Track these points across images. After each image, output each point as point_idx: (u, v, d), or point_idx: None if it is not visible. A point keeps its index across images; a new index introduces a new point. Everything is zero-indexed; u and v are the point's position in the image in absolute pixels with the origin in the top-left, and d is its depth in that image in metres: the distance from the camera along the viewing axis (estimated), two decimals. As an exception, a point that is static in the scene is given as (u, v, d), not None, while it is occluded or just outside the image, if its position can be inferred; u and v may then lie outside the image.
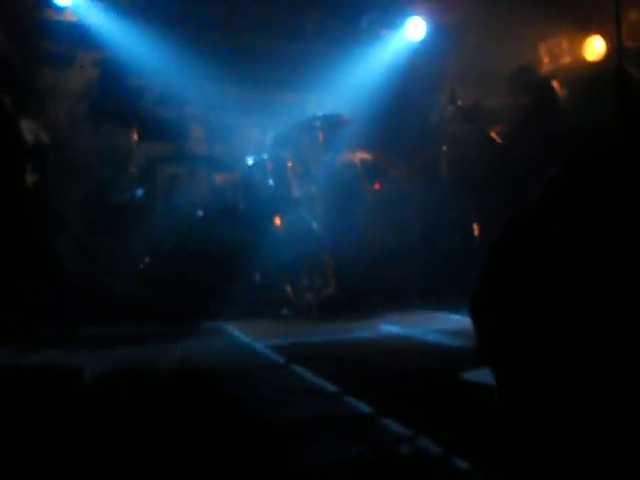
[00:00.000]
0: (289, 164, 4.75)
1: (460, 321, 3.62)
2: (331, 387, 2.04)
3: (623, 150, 1.38)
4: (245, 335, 3.34)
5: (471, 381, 2.07)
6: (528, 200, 1.52)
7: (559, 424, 1.39)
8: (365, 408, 1.78)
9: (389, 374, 2.29)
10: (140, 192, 4.87)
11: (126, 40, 5.37)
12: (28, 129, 4.68)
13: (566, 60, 5.76)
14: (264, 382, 2.09)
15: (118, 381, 2.25)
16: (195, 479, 1.32)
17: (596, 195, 1.31)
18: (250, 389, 2.07)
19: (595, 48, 5.61)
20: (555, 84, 5.41)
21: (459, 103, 4.76)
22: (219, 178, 5.22)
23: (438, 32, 5.95)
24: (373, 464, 1.33)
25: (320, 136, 4.92)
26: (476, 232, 5.18)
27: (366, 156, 5.43)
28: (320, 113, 4.99)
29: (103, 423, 1.64)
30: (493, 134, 5.04)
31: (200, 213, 4.66)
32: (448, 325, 3.52)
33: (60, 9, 5.23)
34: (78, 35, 5.30)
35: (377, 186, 5.45)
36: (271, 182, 4.67)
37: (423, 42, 6.02)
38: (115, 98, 5.45)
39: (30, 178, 4.63)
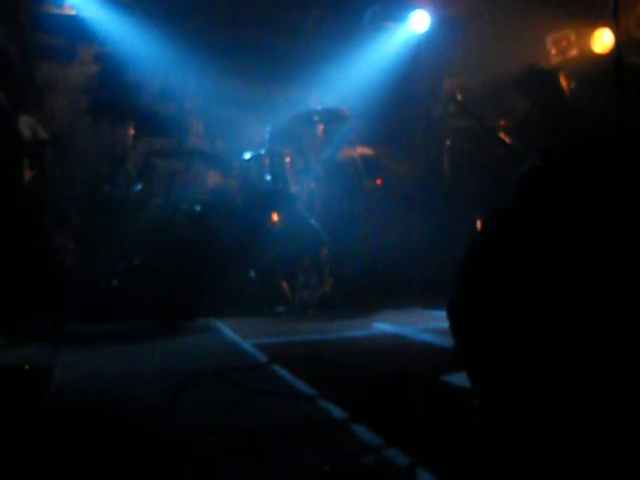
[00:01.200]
0: (287, 159, 4.67)
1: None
2: (308, 390, 1.97)
3: (599, 145, 1.30)
4: (235, 333, 3.28)
5: (456, 384, 1.99)
6: (504, 199, 1.45)
7: (537, 428, 1.32)
8: (338, 413, 1.71)
9: (373, 375, 2.21)
10: (138, 187, 4.82)
11: (125, 34, 5.34)
12: (26, 124, 4.65)
13: (574, 53, 5.62)
14: (239, 383, 2.02)
15: (91, 382, 2.20)
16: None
17: (571, 191, 1.23)
18: (222, 390, 2.00)
19: (603, 40, 5.47)
20: (562, 77, 5.28)
21: (459, 98, 4.65)
22: (217, 174, 5.17)
23: (442, 25, 5.84)
24: (332, 475, 1.26)
25: (319, 130, 4.85)
26: (479, 228, 5.07)
27: (367, 151, 5.34)
28: (320, 107, 4.92)
29: (58, 429, 1.59)
30: (499, 130, 4.94)
31: (197, 208, 4.61)
32: (443, 324, 3.43)
33: (59, 2, 5.19)
34: (77, 29, 5.27)
35: (378, 182, 5.37)
36: (269, 177, 4.60)
37: (426, 35, 5.91)
38: (114, 93, 5.42)
39: (28, 173, 4.60)
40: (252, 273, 4.35)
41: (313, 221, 4.61)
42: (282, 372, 2.25)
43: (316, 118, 4.78)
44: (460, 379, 2.02)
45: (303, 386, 2.02)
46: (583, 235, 1.22)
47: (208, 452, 1.44)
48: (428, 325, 3.43)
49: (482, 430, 1.50)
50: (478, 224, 5.10)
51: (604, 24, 5.49)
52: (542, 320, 1.29)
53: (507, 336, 1.37)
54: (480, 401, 1.52)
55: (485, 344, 1.43)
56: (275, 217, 4.62)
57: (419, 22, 5.95)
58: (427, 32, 5.91)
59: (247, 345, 2.88)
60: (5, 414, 1.35)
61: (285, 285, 4.38)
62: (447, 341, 2.88)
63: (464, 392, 1.84)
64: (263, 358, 2.52)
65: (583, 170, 1.25)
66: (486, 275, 1.45)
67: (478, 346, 1.46)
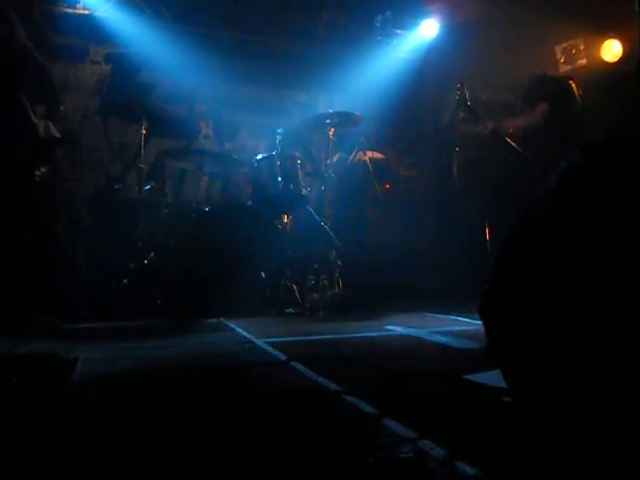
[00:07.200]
0: (298, 161, 4.69)
1: (468, 323, 3.56)
2: (332, 385, 1.98)
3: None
4: (248, 332, 3.28)
5: (478, 383, 1.99)
6: (542, 192, 1.45)
7: (573, 424, 1.32)
8: (367, 408, 1.71)
9: (394, 373, 2.21)
10: (148, 187, 4.83)
11: (138, 35, 5.37)
12: (40, 123, 4.65)
13: (582, 62, 5.66)
14: (264, 379, 2.03)
15: (113, 372, 2.20)
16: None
17: (618, 185, 1.23)
18: (249, 386, 2.01)
19: (613, 50, 5.51)
20: (572, 85, 5.30)
21: (469, 104, 4.67)
22: (227, 175, 5.18)
23: (451, 32, 5.88)
24: (374, 466, 1.26)
25: (331, 134, 4.86)
26: (488, 234, 5.09)
27: (377, 155, 5.36)
28: (331, 110, 4.93)
29: (93, 412, 1.59)
30: (508, 137, 4.95)
31: (207, 209, 4.61)
32: (455, 327, 3.44)
33: (72, 2, 5.22)
34: (90, 29, 5.29)
35: (387, 186, 5.38)
36: (280, 179, 4.60)
37: (436, 42, 5.96)
38: (125, 93, 5.44)
39: (40, 172, 4.59)
40: (262, 274, 4.35)
41: (323, 223, 4.62)
42: (302, 369, 2.25)
43: (328, 121, 4.79)
44: (483, 378, 2.02)
45: (326, 382, 2.02)
46: (624, 229, 1.23)
47: (243, 444, 1.44)
48: (438, 328, 3.44)
49: (516, 427, 1.50)
50: (487, 231, 5.11)
51: (613, 34, 5.54)
52: (583, 318, 1.29)
53: (546, 336, 1.37)
54: (516, 400, 1.52)
55: (523, 343, 1.43)
56: (286, 219, 4.63)
57: (428, 29, 6.00)
58: (437, 39, 5.95)
59: (262, 343, 2.88)
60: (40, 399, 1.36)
61: (295, 287, 4.39)
62: (460, 343, 2.90)
63: (488, 390, 1.85)
64: (281, 356, 2.52)
65: (626, 164, 1.25)
66: (522, 272, 1.45)
67: (515, 345, 1.45)
